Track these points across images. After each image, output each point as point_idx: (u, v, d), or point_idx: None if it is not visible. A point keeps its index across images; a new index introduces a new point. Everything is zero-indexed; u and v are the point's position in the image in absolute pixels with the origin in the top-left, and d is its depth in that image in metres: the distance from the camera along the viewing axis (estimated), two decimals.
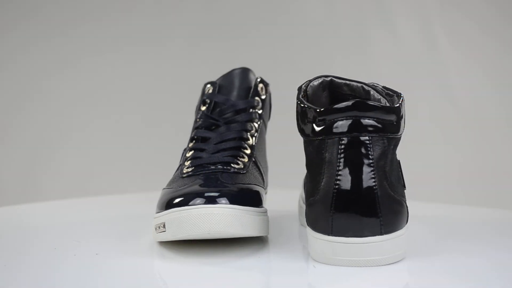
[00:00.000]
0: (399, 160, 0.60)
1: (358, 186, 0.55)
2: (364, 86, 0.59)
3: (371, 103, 0.55)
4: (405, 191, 0.59)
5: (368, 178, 0.54)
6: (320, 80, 0.60)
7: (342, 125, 0.55)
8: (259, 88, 0.75)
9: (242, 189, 0.63)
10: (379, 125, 0.55)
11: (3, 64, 1.54)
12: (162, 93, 1.56)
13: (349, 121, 0.54)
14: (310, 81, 0.60)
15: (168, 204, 0.61)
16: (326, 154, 0.55)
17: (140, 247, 0.65)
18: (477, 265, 0.58)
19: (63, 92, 1.55)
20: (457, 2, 1.44)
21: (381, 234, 0.55)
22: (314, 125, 0.56)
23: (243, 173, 0.66)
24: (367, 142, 0.54)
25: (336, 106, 0.55)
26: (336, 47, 1.50)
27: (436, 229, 0.74)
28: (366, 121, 0.54)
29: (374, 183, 0.54)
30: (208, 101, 0.74)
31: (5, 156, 1.55)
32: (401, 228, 0.56)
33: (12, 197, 1.50)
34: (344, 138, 0.55)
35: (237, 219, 0.59)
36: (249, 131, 0.71)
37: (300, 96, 0.59)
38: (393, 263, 0.56)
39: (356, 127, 0.54)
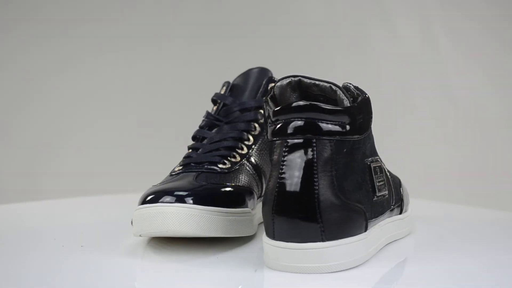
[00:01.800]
0: (378, 166, 0.58)
1: (298, 190, 0.52)
2: (332, 86, 0.56)
3: (315, 104, 0.52)
4: (374, 198, 0.56)
5: (309, 182, 0.52)
6: (288, 80, 0.57)
7: (285, 127, 0.53)
8: (269, 88, 0.73)
9: (212, 189, 0.62)
10: (325, 128, 0.52)
11: (3, 64, 1.54)
12: (163, 93, 1.56)
13: (293, 123, 0.52)
14: (278, 81, 0.58)
15: (140, 201, 0.61)
16: (274, 156, 0.54)
17: (137, 247, 0.65)
18: (475, 265, 0.57)
19: (63, 92, 1.55)
20: (457, 2, 1.44)
21: (322, 240, 0.51)
22: (269, 126, 0.55)
23: (226, 173, 0.65)
24: (311, 145, 0.52)
25: (279, 107, 0.54)
26: (336, 47, 1.49)
27: (436, 228, 0.73)
28: (310, 123, 0.52)
29: (315, 188, 0.51)
30: (219, 101, 0.74)
31: (5, 156, 1.55)
32: (352, 235, 0.53)
33: (12, 197, 1.50)
34: (288, 141, 0.52)
35: (192, 219, 0.58)
36: (250, 131, 0.70)
37: (268, 97, 0.57)
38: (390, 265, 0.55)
39: (300, 129, 0.52)
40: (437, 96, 1.47)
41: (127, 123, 1.55)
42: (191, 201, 0.59)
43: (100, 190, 1.41)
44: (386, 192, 0.60)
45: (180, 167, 0.67)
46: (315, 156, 0.52)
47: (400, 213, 0.65)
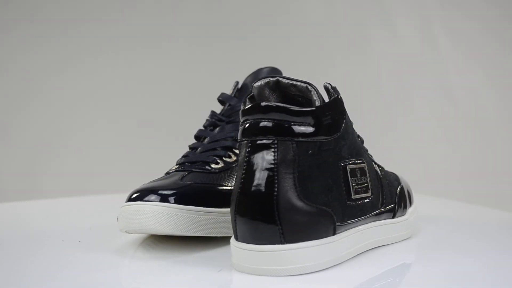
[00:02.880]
0: (358, 168, 0.56)
1: (257, 191, 0.51)
2: (309, 86, 0.55)
3: (278, 105, 0.52)
4: (348, 201, 0.55)
5: (268, 183, 0.50)
6: (266, 80, 0.56)
7: (249, 127, 0.52)
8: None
9: (195, 189, 0.62)
10: (287, 129, 0.51)
11: (3, 64, 1.54)
12: (163, 93, 1.56)
13: (258, 124, 0.52)
14: (257, 81, 0.56)
15: (126, 199, 0.63)
16: (239, 157, 0.53)
17: (132, 244, 0.65)
18: (474, 268, 0.56)
19: (63, 92, 1.55)
20: (457, 2, 1.44)
21: (281, 243, 0.50)
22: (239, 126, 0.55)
23: (217, 173, 0.65)
24: (272, 146, 0.51)
25: (246, 108, 0.53)
26: (336, 47, 1.49)
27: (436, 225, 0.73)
28: (271, 124, 0.51)
29: (275, 189, 0.50)
30: (224, 101, 0.75)
31: (6, 156, 1.55)
32: (315, 239, 0.51)
33: (12, 196, 1.51)
34: (252, 141, 0.52)
35: (169, 218, 0.59)
36: None
37: (247, 97, 0.56)
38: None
39: (263, 130, 0.51)
40: (437, 96, 1.46)
41: (127, 123, 1.55)
42: (173, 200, 0.60)
43: (100, 190, 1.41)
44: (369, 195, 0.58)
45: (177, 166, 0.67)
46: (276, 157, 0.51)
47: (393, 217, 0.63)
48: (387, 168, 0.67)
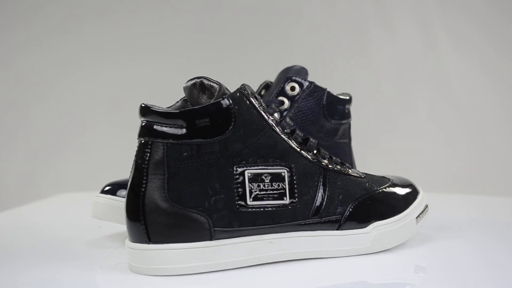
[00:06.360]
0: (266, 173, 0.54)
1: (129, 190, 0.53)
2: (220, 88, 0.55)
3: (149, 107, 0.52)
4: (238, 207, 0.53)
5: (138, 183, 0.52)
6: (193, 81, 0.56)
7: (139, 128, 0.54)
8: (287, 87, 0.73)
9: None
10: (159, 130, 0.52)
11: (4, 65, 1.55)
12: (163, 94, 1.52)
13: (140, 125, 0.53)
14: (186, 82, 0.57)
15: None
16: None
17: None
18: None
19: (64, 92, 1.55)
20: (457, 3, 1.41)
21: (146, 242, 0.52)
22: None
23: None
24: (147, 147, 0.52)
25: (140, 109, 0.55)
26: (336, 48, 1.47)
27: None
28: (147, 126, 0.52)
29: (142, 189, 0.52)
30: None
31: (6, 158, 1.56)
32: (186, 242, 0.52)
33: (13, 197, 1.52)
34: (138, 142, 0.53)
35: (116, 210, 0.66)
36: None
37: (183, 99, 0.57)
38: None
39: (142, 132, 0.53)
40: (437, 96, 1.44)
41: (128, 124, 1.52)
42: (122, 194, 0.67)
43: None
44: (285, 202, 0.55)
45: None
46: (147, 158, 0.52)
47: (338, 229, 0.57)
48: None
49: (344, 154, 0.76)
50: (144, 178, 0.52)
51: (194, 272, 0.52)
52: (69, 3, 1.53)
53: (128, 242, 0.53)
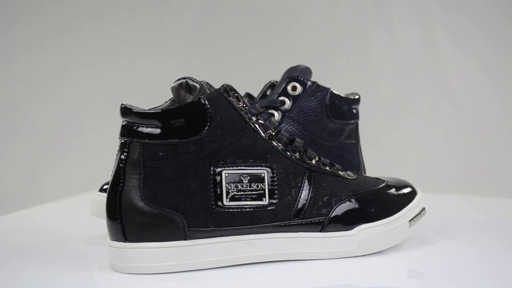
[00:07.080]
0: (244, 173, 0.53)
1: (109, 189, 0.53)
2: (208, 88, 0.55)
3: (127, 107, 0.53)
4: (215, 207, 0.53)
5: (116, 182, 0.53)
6: (179, 82, 0.57)
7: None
8: (289, 87, 0.74)
9: None
10: (136, 130, 0.53)
11: (4, 65, 1.55)
12: (163, 94, 1.52)
13: (121, 125, 0.54)
14: (174, 82, 0.57)
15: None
16: None
17: None
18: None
19: (64, 92, 1.55)
20: (457, 3, 1.41)
21: (123, 241, 0.52)
22: None
23: None
24: (125, 146, 0.53)
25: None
26: (336, 48, 1.47)
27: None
28: (125, 126, 0.54)
29: (119, 188, 0.52)
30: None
31: (6, 158, 1.56)
32: (160, 241, 0.52)
33: (13, 198, 1.52)
34: (119, 141, 0.55)
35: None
36: None
37: (171, 99, 0.58)
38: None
39: (121, 131, 0.54)
40: (437, 96, 1.44)
41: None
42: None
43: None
44: (264, 203, 0.54)
45: None
46: (124, 158, 0.53)
47: (321, 231, 0.56)
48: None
49: (351, 154, 0.75)
50: (122, 177, 0.52)
51: (170, 271, 0.52)
52: (69, 3, 1.53)
53: (108, 240, 0.54)
